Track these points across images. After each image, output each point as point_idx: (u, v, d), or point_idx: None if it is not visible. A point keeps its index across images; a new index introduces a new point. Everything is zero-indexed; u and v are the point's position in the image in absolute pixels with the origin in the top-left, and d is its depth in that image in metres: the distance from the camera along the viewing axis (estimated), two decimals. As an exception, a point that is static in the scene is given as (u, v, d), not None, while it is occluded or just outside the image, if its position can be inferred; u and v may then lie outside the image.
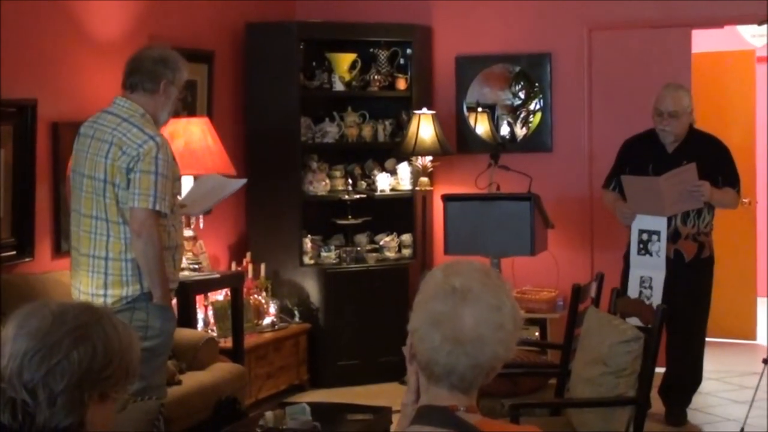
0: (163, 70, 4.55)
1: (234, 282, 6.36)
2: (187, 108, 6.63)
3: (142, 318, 4.39)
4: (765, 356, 5.99)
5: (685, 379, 5.95)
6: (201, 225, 6.32)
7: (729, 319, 8.12)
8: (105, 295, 4.44)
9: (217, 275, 6.27)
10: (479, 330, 2.06)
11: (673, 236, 5.74)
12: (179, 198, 5.44)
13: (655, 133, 5.87)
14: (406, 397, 2.23)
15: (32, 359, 1.93)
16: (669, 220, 5.70)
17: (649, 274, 5.70)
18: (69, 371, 1.94)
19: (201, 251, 6.36)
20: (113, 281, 4.44)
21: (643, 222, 5.73)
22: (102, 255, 4.45)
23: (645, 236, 5.71)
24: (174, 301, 5.19)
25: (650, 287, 5.66)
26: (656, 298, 5.54)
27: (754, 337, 8.38)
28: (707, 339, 6.01)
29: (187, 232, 6.00)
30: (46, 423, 1.93)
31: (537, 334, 7.04)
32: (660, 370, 4.97)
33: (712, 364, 6.95)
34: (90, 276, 4.48)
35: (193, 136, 6.04)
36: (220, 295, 6.58)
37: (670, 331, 5.67)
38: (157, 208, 4.36)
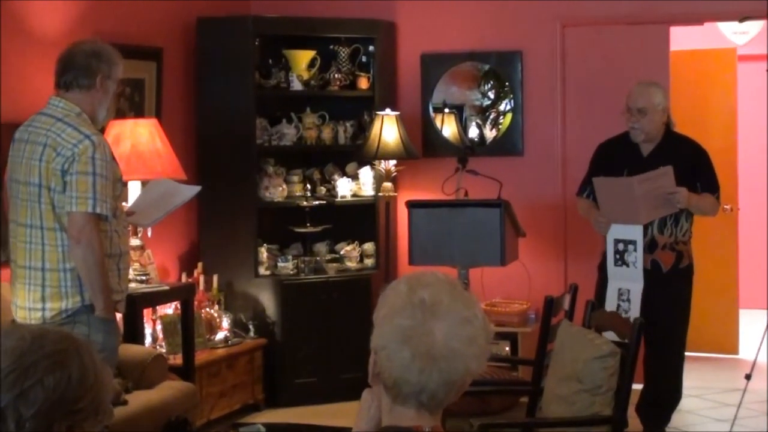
0: (97, 64, 4.54)
1: (184, 294, 6.34)
2: (134, 108, 6.61)
3: (83, 332, 4.36)
4: (748, 372, 6.06)
5: (664, 396, 5.99)
6: (149, 233, 6.29)
7: (710, 332, 8.18)
8: (43, 309, 4.41)
9: (166, 287, 6.25)
10: (451, 345, 2.07)
11: (650, 246, 5.76)
12: (125, 204, 5.43)
13: (629, 136, 5.90)
14: (362, 426, 2.23)
15: (6, 378, 1.93)
16: (645, 228, 5.72)
17: (626, 286, 5.71)
18: (41, 397, 1.93)
19: (149, 261, 6.33)
20: (51, 293, 4.41)
21: (618, 231, 5.75)
22: (38, 266, 4.42)
23: (621, 246, 5.73)
24: (120, 315, 5.18)
25: (628, 300, 5.68)
26: (634, 311, 5.56)
27: (736, 351, 8.45)
28: (687, 353, 6.04)
29: (134, 241, 5.98)
30: None
31: (507, 349, 7.06)
32: (637, 386, 5.00)
33: (692, 380, 7.00)
34: (27, 289, 4.44)
35: (141, 139, 6.02)
36: (169, 309, 6.56)
37: (648, 346, 5.70)
38: (98, 210, 4.35)
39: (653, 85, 5.88)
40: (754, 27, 9.63)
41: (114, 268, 4.51)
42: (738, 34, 9.58)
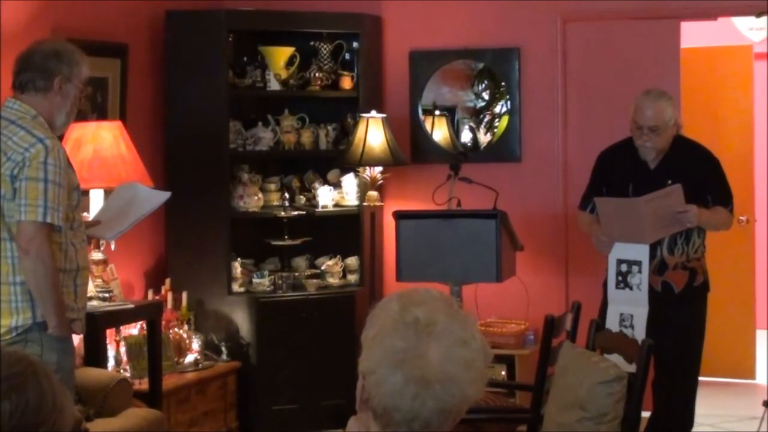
0: (56, 66, 4.56)
1: (151, 313, 6.33)
2: (96, 110, 6.61)
3: (35, 352, 4.36)
4: (766, 398, 6.08)
5: (675, 424, 6.00)
6: (112, 246, 6.30)
7: (724, 355, 8.20)
8: (-9, 326, 4.43)
9: (131, 306, 6.24)
10: (447, 368, 2.08)
11: (660, 268, 5.76)
12: (86, 215, 5.42)
13: (634, 143, 5.90)
14: None
15: None
16: (653, 248, 5.71)
17: (629, 311, 5.69)
18: None
19: (112, 277, 6.33)
20: (0, 309, 4.42)
21: (621, 251, 5.73)
22: (-14, 279, 4.44)
23: (624, 267, 5.72)
24: (79, 337, 5.18)
25: (631, 326, 5.66)
26: (638, 338, 5.55)
27: (753, 376, 8.47)
28: (700, 378, 6.08)
29: (96, 255, 5.98)
30: None
31: (504, 373, 7.07)
32: (645, 414, 5.02)
33: (705, 407, 7.01)
34: (-26, 304, 4.46)
35: (104, 143, 6.02)
36: (134, 329, 6.55)
37: (658, 370, 5.72)
38: (48, 220, 4.35)
39: (662, 97, 5.83)
40: (771, 23, 9.68)
41: (70, 284, 4.52)
42: (754, 30, 9.61)
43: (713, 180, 5.85)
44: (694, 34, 8.60)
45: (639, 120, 5.74)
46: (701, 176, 5.81)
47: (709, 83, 8.50)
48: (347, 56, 7.60)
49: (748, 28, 9.70)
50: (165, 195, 5.62)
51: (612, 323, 5.70)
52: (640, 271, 5.67)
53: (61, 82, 4.56)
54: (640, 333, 5.57)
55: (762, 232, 9.19)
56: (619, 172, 5.92)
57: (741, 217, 7.88)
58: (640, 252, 5.68)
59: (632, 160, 5.88)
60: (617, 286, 5.74)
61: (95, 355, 5.81)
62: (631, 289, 5.69)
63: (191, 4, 7.41)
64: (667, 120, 5.73)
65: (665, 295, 5.76)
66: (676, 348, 5.73)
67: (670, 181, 5.72)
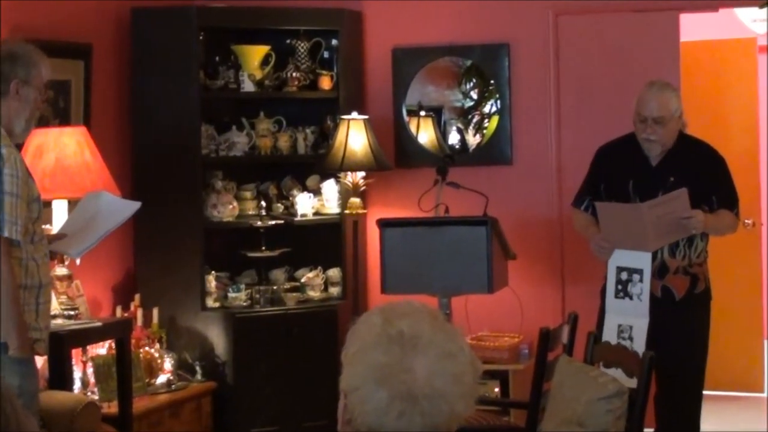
0: (11, 68, 4.56)
1: (119, 332, 6.32)
2: (59, 115, 6.60)
3: (-5, 375, 4.37)
4: (775, 412, 6.10)
5: (679, 441, 6.03)
6: (77, 261, 6.29)
7: (730, 367, 8.22)
8: (-52, 347, 4.42)
9: (98, 324, 6.23)
10: (434, 383, 2.08)
11: (660, 271, 5.78)
12: (50, 227, 5.41)
13: (635, 140, 5.90)
14: None
15: None
16: (654, 252, 5.74)
17: (628, 322, 5.69)
18: None
19: (77, 294, 6.32)
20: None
21: (622, 258, 5.74)
22: (-58, 298, 4.44)
23: (624, 275, 5.73)
24: (44, 358, 5.17)
25: (630, 338, 5.66)
26: (638, 351, 5.56)
27: (761, 389, 8.49)
28: (705, 392, 6.09)
29: (60, 270, 5.97)
30: None
31: (497, 390, 7.08)
32: (648, 431, 5.03)
33: (710, 423, 7.03)
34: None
35: (67, 150, 6.01)
36: (102, 349, 6.54)
37: (660, 384, 5.73)
38: (6, 234, 4.35)
39: (667, 88, 5.88)
40: (776, 13, 9.72)
41: (31, 302, 4.52)
42: (759, 21, 9.64)
43: (719, 180, 5.86)
44: (695, 27, 8.62)
45: (643, 111, 5.76)
46: (706, 175, 5.82)
47: (711, 78, 8.53)
48: (326, 54, 7.60)
49: (752, 20, 9.73)
50: (134, 205, 5.61)
51: (610, 335, 5.70)
52: (641, 280, 5.67)
53: (18, 86, 4.56)
54: (639, 345, 5.56)
55: (769, 236, 9.22)
56: (619, 168, 5.93)
57: (746, 221, 7.90)
58: (641, 260, 5.67)
59: (633, 157, 5.89)
60: (617, 295, 5.74)
61: (60, 377, 5.78)
62: (631, 298, 5.69)
63: (160, 1, 7.40)
64: (672, 111, 5.76)
65: (665, 301, 5.77)
66: (679, 360, 5.74)
67: (672, 179, 5.73)
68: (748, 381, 8.48)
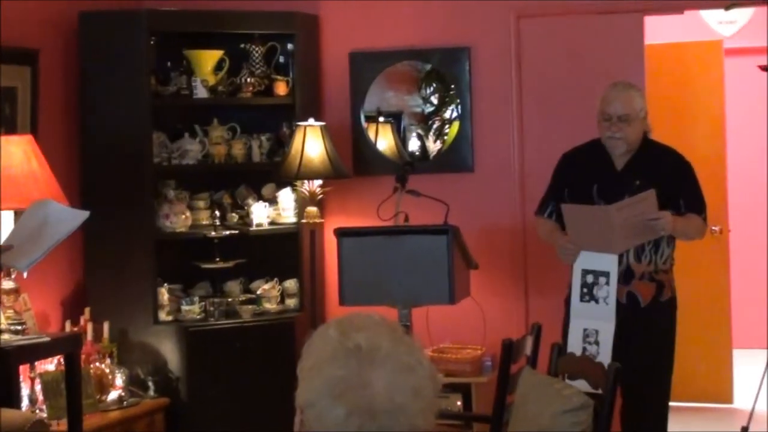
0: None
1: (69, 347, 6.28)
2: (4, 123, 6.56)
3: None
4: (744, 424, 6.13)
5: (646, 455, 6.05)
6: (24, 274, 6.25)
7: (698, 377, 8.26)
8: None
9: (47, 339, 6.19)
10: (393, 397, 2.08)
11: (625, 276, 5.80)
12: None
13: (599, 145, 5.95)
14: None
15: None
16: (619, 256, 5.76)
17: (594, 326, 5.71)
18: None
19: (25, 308, 6.29)
20: None
21: (588, 261, 5.76)
22: None
23: (590, 278, 5.75)
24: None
25: (596, 342, 5.69)
26: (604, 356, 5.57)
27: (730, 400, 8.53)
28: (672, 403, 6.11)
29: (6, 284, 5.94)
30: None
31: (459, 403, 7.08)
32: (614, 444, 5.04)
33: (679, 435, 7.08)
34: None
35: (13, 160, 5.98)
36: (50, 365, 6.51)
37: (626, 396, 5.75)
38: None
39: (631, 87, 5.95)
40: (742, 16, 9.80)
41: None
42: (724, 24, 9.74)
43: (686, 184, 5.90)
44: (660, 30, 8.68)
45: (608, 109, 5.82)
46: (672, 179, 5.86)
47: (676, 82, 8.58)
48: (281, 59, 7.60)
49: (718, 22, 9.82)
50: (83, 215, 5.59)
51: (575, 339, 5.72)
52: (607, 283, 5.68)
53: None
54: (605, 350, 5.59)
55: (737, 243, 9.28)
56: (583, 173, 5.97)
57: (713, 227, 7.95)
58: (608, 262, 5.69)
59: (597, 161, 5.93)
60: (582, 299, 5.76)
61: (7, 394, 5.76)
62: (597, 302, 5.71)
63: (108, 4, 7.38)
64: (637, 109, 5.82)
65: (630, 308, 5.80)
66: (644, 371, 5.76)
67: (638, 182, 5.76)
68: (717, 392, 8.52)
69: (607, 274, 5.70)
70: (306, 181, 7.15)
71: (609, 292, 5.69)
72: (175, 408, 7.04)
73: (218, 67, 7.43)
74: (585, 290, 5.76)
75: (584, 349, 5.68)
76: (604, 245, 5.68)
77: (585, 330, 5.72)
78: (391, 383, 2.09)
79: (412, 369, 2.11)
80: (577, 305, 5.78)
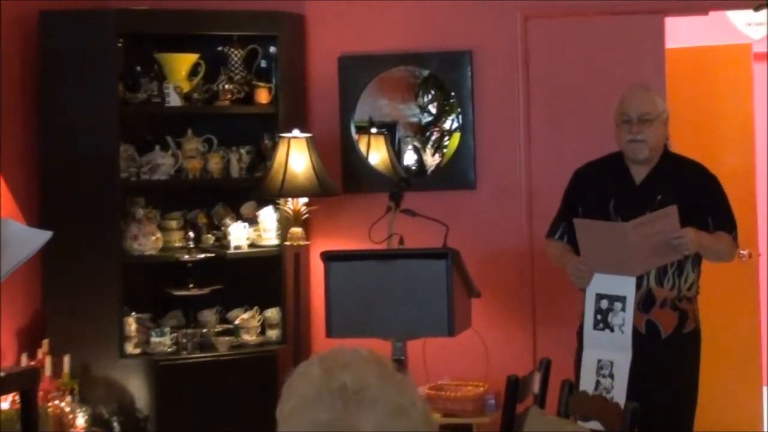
0: None
1: (25, 383, 6.27)
2: (-46, 134, 6.57)
3: None
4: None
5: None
6: (-24, 301, 6.25)
7: (726, 416, 8.23)
8: None
9: (1, 374, 6.19)
10: None
11: (645, 303, 5.79)
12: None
13: (616, 159, 5.95)
14: None
15: None
16: (639, 279, 5.75)
17: (609, 358, 5.70)
18: None
19: (-24, 339, 6.29)
20: None
21: (602, 284, 5.75)
22: None
23: (604, 303, 5.74)
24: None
25: (610, 375, 5.68)
26: (619, 391, 5.57)
27: (761, 443, 8.53)
28: (694, 445, 6.11)
29: (-43, 313, 5.94)
30: None
31: (460, 446, 7.09)
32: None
33: (703, 482, 7.06)
34: None
35: (-36, 175, 5.99)
36: (4, 403, 6.50)
37: (644, 437, 5.75)
38: None
39: (650, 89, 6.00)
40: (773, 17, 9.80)
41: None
42: (753, 26, 9.74)
43: (713, 199, 5.90)
44: (683, 32, 8.68)
45: (627, 110, 5.83)
46: (698, 194, 5.85)
47: (700, 89, 8.57)
48: (263, 64, 7.61)
49: (746, 24, 9.82)
50: (44, 235, 5.57)
51: (588, 371, 5.70)
52: (623, 309, 5.67)
53: None
54: (620, 384, 5.58)
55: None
56: (599, 188, 5.96)
57: (742, 251, 7.93)
58: (624, 286, 5.68)
59: (614, 175, 5.93)
60: (595, 327, 5.74)
61: (-44, 435, 5.75)
62: (612, 330, 5.70)
63: (71, 3, 7.38)
64: (659, 110, 5.85)
65: (650, 339, 5.78)
66: (664, 409, 5.75)
67: (660, 197, 5.75)
68: (746, 430, 8.50)
69: (623, 299, 5.68)
70: (290, 199, 7.15)
71: (625, 319, 5.67)
72: (143, 451, 7.03)
73: (193, 72, 7.44)
74: (599, 317, 5.74)
75: (598, 382, 5.66)
76: (620, 266, 5.66)
77: (599, 361, 5.70)
78: (381, 427, 2.06)
79: (405, 411, 2.09)
80: (591, 333, 5.76)
